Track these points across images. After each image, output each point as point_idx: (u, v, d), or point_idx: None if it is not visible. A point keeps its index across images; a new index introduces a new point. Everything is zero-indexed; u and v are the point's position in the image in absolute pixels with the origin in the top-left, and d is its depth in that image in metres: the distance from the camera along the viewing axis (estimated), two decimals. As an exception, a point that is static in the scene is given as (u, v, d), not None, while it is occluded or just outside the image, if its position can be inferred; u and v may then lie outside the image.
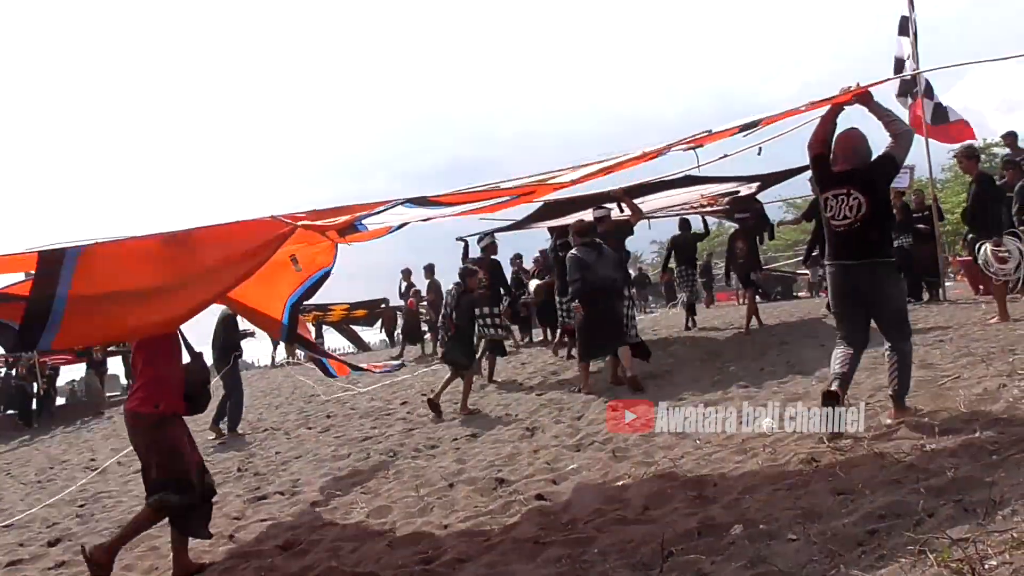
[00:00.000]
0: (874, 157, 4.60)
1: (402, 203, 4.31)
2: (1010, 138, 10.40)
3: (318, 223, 4.15)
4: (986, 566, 2.24)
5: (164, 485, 4.17)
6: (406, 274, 15.48)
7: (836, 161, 4.67)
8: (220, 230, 3.88)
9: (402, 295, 15.61)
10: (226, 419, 9.45)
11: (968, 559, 2.28)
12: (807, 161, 4.86)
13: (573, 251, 7.98)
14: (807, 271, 18.61)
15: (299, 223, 3.95)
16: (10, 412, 15.65)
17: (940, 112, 10.29)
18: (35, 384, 15.17)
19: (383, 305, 18.67)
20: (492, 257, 10.87)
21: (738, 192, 10.42)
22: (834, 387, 4.41)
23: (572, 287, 8.00)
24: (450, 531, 4.14)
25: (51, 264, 3.42)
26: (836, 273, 4.65)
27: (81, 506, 6.80)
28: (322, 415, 9.76)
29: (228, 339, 9.29)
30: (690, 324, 12.10)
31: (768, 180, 10.18)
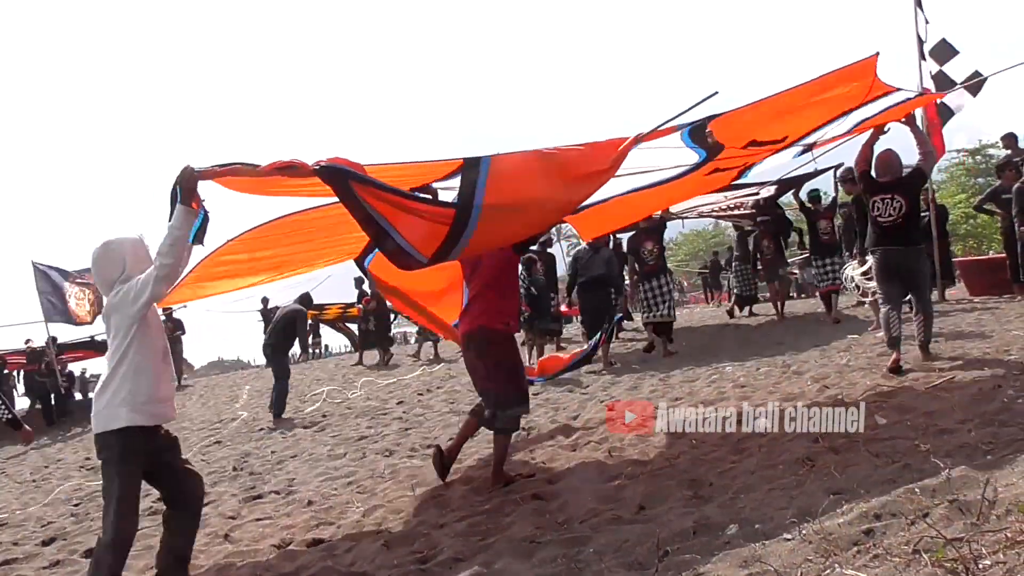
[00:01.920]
0: (909, 170, 6.05)
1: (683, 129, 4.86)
2: (1009, 139, 10.37)
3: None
4: (980, 566, 2.24)
5: (508, 398, 4.77)
6: (358, 282, 15.69)
7: (878, 174, 6.04)
8: (576, 149, 4.42)
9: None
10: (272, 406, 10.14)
11: (962, 559, 2.28)
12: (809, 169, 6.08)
13: (575, 251, 10.10)
14: (796, 272, 18.70)
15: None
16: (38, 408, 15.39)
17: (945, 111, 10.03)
18: (56, 381, 14.88)
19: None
20: (548, 250, 11.98)
21: (758, 195, 10.84)
22: (896, 357, 5.88)
23: (569, 282, 9.94)
24: (446, 531, 4.13)
25: (472, 171, 3.98)
26: (884, 255, 6.04)
27: (76, 505, 6.77)
28: (318, 414, 9.76)
29: (299, 332, 10.76)
30: (736, 312, 13.32)
31: (784, 185, 10.64)
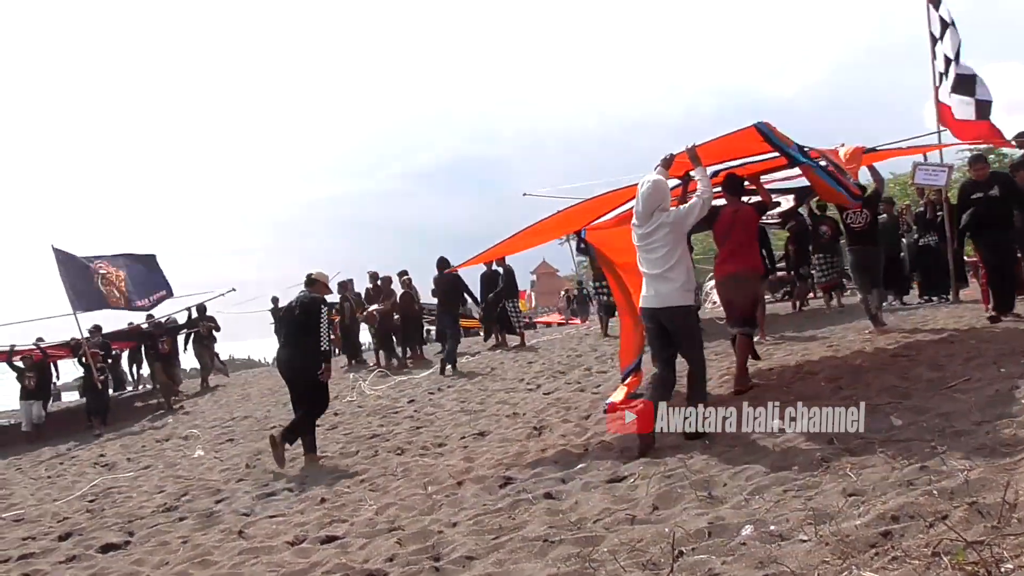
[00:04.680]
0: (869, 192, 8.00)
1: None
2: (1022, 138, 10.24)
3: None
4: (1002, 569, 2.22)
5: (747, 321, 6.45)
6: (343, 286, 15.55)
7: None
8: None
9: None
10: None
11: (983, 562, 2.26)
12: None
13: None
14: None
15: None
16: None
17: (984, 107, 9.77)
18: (91, 376, 13.61)
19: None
20: None
21: (779, 204, 11.18)
22: (877, 324, 8.43)
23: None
24: (459, 529, 4.13)
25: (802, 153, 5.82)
26: (856, 252, 8.62)
27: (91, 501, 6.82)
28: (330, 412, 9.73)
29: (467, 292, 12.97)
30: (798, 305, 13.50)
31: (801, 193, 10.99)
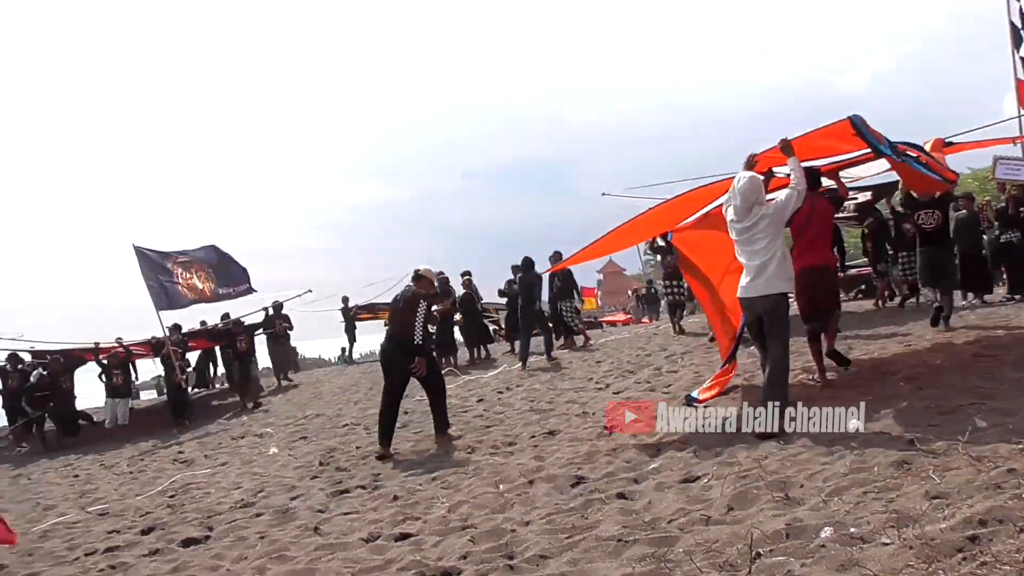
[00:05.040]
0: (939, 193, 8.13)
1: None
2: None
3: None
4: (1100, 575, 2.14)
5: (829, 313, 6.51)
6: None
7: (919, 195, 8.30)
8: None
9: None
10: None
11: (1080, 568, 2.19)
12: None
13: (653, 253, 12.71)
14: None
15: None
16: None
17: None
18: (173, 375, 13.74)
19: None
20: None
21: (856, 199, 11.11)
22: (936, 307, 8.50)
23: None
24: (531, 528, 4.15)
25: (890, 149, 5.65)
26: (926, 253, 8.56)
27: (171, 496, 7.05)
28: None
29: (537, 295, 12.90)
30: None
31: (879, 190, 10.99)
